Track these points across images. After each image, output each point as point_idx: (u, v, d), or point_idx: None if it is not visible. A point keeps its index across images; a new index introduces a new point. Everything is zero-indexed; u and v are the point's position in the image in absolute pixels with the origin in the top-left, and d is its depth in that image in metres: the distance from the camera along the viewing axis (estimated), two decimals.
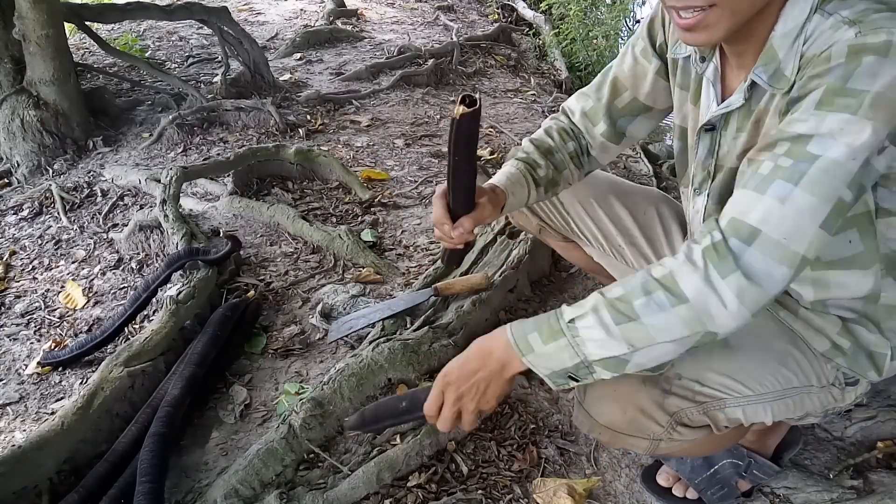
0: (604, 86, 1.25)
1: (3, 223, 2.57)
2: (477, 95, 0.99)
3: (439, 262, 1.95)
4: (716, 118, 1.00)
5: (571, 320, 0.89)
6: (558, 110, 1.33)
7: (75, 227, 2.48)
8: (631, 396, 0.98)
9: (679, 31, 0.88)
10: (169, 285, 1.88)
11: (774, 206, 0.79)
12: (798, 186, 0.78)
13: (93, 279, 2.18)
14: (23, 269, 2.29)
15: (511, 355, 0.93)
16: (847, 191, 0.78)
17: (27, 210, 2.64)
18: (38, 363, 1.80)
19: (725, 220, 0.83)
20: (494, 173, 1.27)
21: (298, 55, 4.28)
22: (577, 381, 0.92)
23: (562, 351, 0.89)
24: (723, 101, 1.00)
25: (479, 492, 1.32)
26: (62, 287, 2.16)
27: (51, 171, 2.88)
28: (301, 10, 5.41)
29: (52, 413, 1.60)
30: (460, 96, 0.99)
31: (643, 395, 0.98)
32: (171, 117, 3.05)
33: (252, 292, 1.93)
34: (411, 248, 2.20)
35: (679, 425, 1.01)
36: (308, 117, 3.27)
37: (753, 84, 0.92)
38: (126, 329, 1.87)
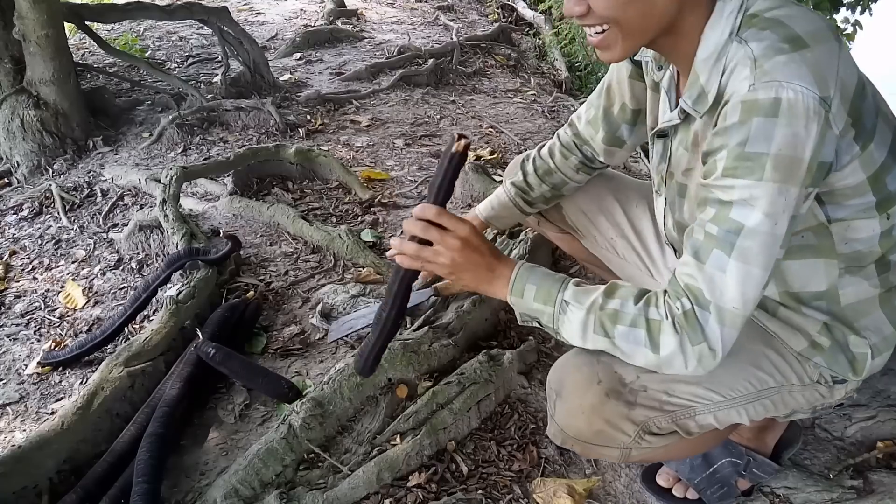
0: (602, 93, 1.31)
1: (3, 223, 2.57)
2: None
3: None
4: (666, 126, 1.04)
5: (567, 301, 0.98)
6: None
7: (75, 227, 2.48)
8: (596, 410, 1.00)
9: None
10: (169, 285, 1.88)
11: (717, 277, 0.86)
12: (731, 258, 0.85)
13: (93, 279, 2.18)
14: (23, 269, 2.29)
15: (503, 285, 1.04)
16: (780, 251, 0.85)
17: (27, 210, 2.64)
18: (38, 363, 1.79)
19: (685, 284, 0.90)
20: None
21: (298, 55, 4.28)
22: (539, 325, 1.04)
23: (543, 312, 1.01)
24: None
25: (479, 492, 1.32)
26: (62, 287, 2.16)
27: (51, 170, 2.88)
28: (301, 10, 5.41)
29: (52, 413, 1.60)
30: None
31: (608, 408, 1.00)
32: (171, 117, 3.05)
33: (252, 292, 1.93)
34: None
35: (647, 434, 1.02)
36: (308, 117, 3.27)
37: None
38: (126, 329, 1.87)
